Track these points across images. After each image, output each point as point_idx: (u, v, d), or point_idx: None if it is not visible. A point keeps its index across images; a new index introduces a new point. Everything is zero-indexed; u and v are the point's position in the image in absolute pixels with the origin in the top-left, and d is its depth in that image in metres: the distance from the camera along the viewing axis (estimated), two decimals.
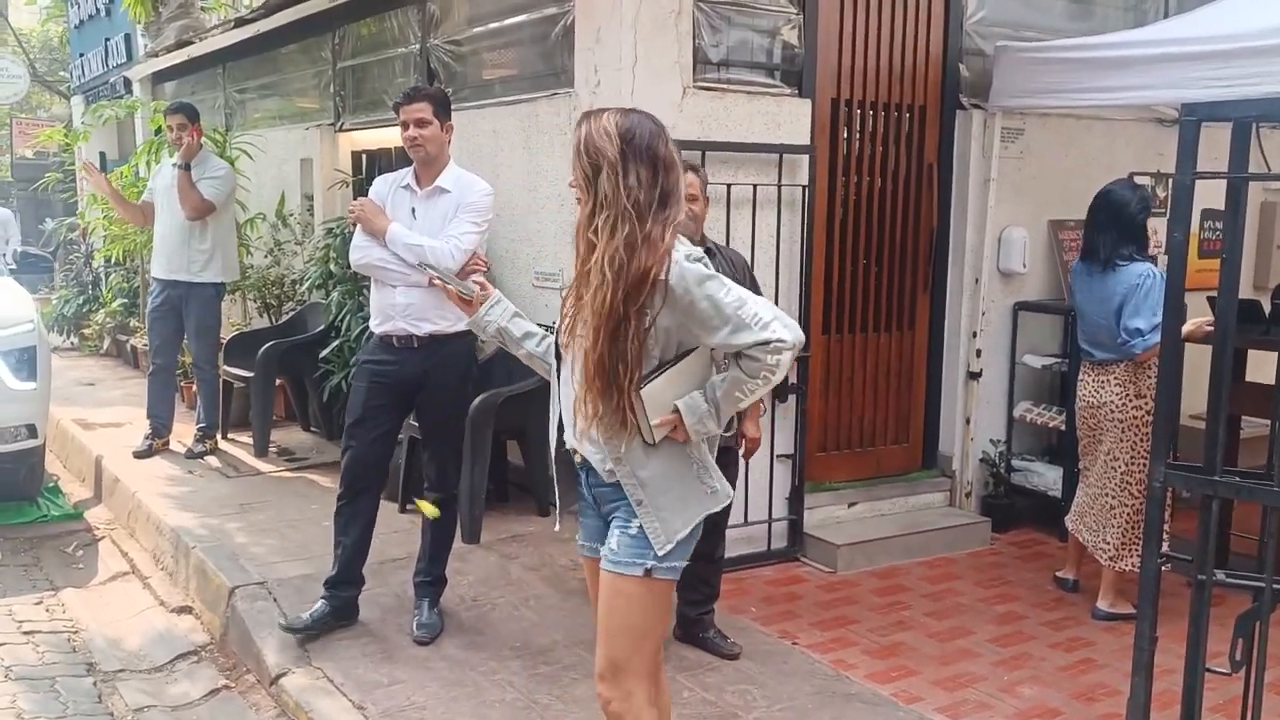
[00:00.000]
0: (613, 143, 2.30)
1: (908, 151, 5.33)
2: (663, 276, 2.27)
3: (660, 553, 2.39)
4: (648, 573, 2.40)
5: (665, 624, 2.64)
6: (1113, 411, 4.36)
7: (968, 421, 5.48)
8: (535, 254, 5.13)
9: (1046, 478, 5.49)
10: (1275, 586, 2.58)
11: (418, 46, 6.11)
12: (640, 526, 2.39)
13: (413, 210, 3.92)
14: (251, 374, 6.23)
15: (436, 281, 2.77)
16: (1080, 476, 4.68)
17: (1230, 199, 2.64)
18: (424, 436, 4.07)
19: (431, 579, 4.03)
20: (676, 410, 2.36)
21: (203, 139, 6.23)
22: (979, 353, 5.46)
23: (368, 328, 4.29)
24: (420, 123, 3.85)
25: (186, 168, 5.98)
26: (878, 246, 5.31)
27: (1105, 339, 4.37)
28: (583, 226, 2.35)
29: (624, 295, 2.25)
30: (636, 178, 2.29)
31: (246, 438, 6.41)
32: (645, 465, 2.39)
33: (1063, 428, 5.32)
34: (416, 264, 3.70)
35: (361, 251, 3.93)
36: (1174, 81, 4.46)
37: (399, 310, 3.86)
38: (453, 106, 5.77)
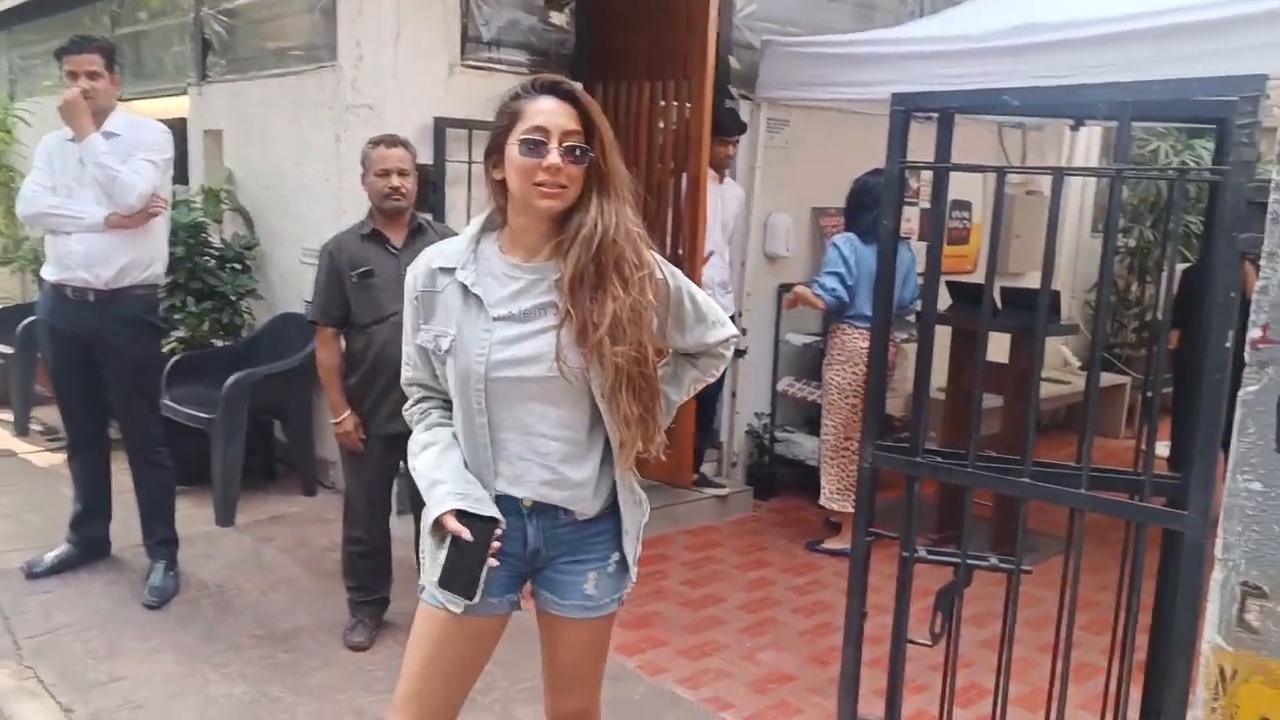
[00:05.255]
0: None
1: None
2: (659, 275, 1.89)
3: (634, 577, 2.03)
4: (620, 601, 2.04)
5: None
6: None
7: (734, 396, 5.37)
8: (303, 230, 4.69)
9: (805, 447, 5.45)
10: (969, 562, 2.48)
11: (192, 15, 5.53)
12: (619, 558, 1.98)
13: (80, 160, 3.43)
14: (11, 350, 5.54)
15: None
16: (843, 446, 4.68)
17: (936, 186, 2.51)
18: (116, 395, 3.64)
19: (160, 539, 3.71)
20: None
21: None
22: (745, 331, 5.35)
23: None
24: (93, 75, 3.43)
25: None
26: (649, 226, 5.06)
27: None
28: (620, 230, 1.83)
29: (649, 294, 1.84)
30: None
31: (7, 415, 5.71)
32: (631, 484, 1.99)
33: (820, 401, 5.27)
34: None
35: (27, 202, 3.49)
36: (918, 78, 4.41)
37: (77, 259, 3.45)
38: (227, 78, 5.30)
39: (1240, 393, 1.87)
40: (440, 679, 1.97)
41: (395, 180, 3.23)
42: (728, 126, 4.81)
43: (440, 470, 1.87)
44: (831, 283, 4.45)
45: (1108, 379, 6.75)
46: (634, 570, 2.03)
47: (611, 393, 1.82)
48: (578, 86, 1.85)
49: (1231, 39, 3.51)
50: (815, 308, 4.57)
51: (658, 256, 1.93)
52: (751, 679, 3.46)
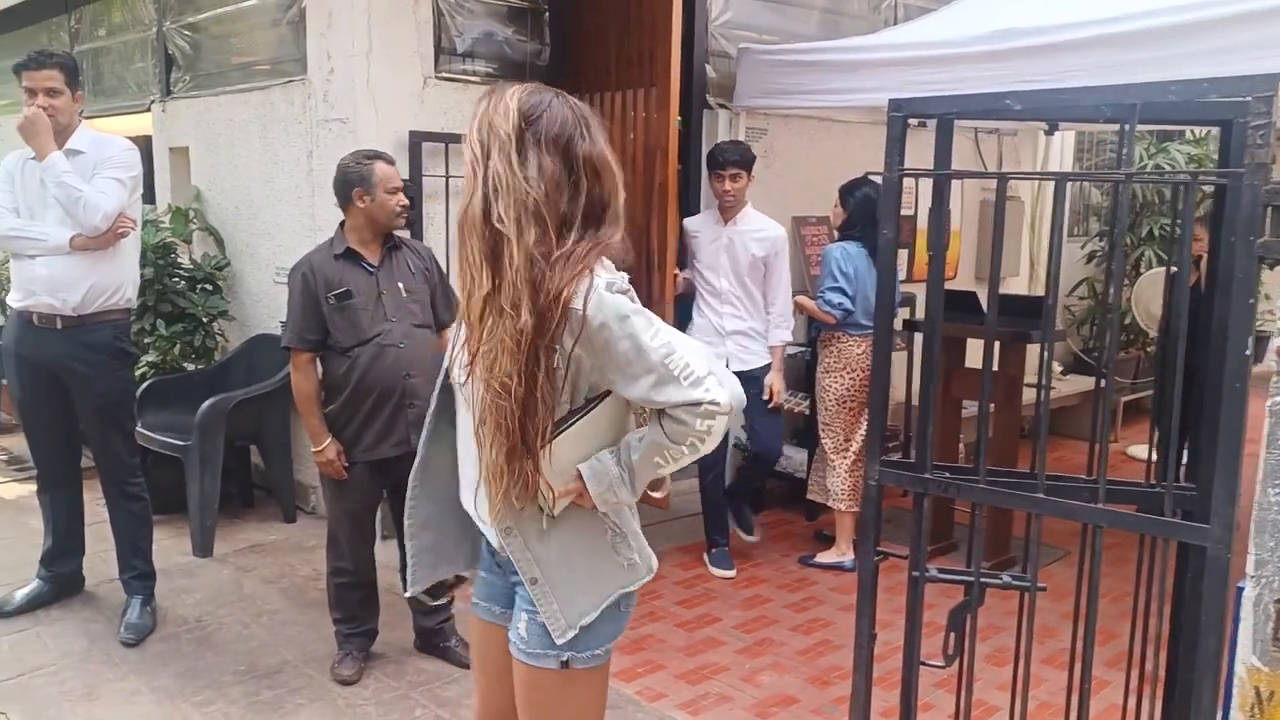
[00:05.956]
0: (509, 119, 1.65)
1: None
2: (576, 305, 1.64)
3: (560, 641, 1.76)
4: (565, 664, 1.79)
5: (602, 712, 1.95)
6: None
7: None
8: (275, 249, 4.57)
9: (795, 460, 5.38)
10: (983, 581, 2.41)
11: (154, 30, 5.39)
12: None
13: (42, 180, 3.29)
14: None
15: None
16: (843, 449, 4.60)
17: (935, 194, 2.44)
18: (87, 427, 3.50)
19: (137, 573, 3.58)
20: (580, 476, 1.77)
21: None
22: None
23: None
24: (52, 92, 3.28)
25: None
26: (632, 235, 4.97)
27: None
28: (469, 226, 1.68)
29: (535, 322, 1.62)
30: (539, 169, 1.65)
31: None
32: (544, 538, 1.77)
33: (807, 412, 5.21)
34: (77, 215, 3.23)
35: None
36: (896, 85, 4.36)
37: (41, 284, 3.31)
38: (192, 93, 5.17)
39: (1268, 402, 1.81)
40: (486, 680, 2.02)
41: (403, 198, 3.18)
42: (720, 159, 4.32)
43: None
44: (837, 298, 4.42)
45: (1088, 383, 6.74)
46: (557, 631, 1.76)
47: (479, 425, 1.68)
48: (494, 87, 1.73)
49: (1211, 40, 3.48)
50: (825, 322, 4.50)
51: (603, 280, 1.68)
52: (754, 702, 3.37)
